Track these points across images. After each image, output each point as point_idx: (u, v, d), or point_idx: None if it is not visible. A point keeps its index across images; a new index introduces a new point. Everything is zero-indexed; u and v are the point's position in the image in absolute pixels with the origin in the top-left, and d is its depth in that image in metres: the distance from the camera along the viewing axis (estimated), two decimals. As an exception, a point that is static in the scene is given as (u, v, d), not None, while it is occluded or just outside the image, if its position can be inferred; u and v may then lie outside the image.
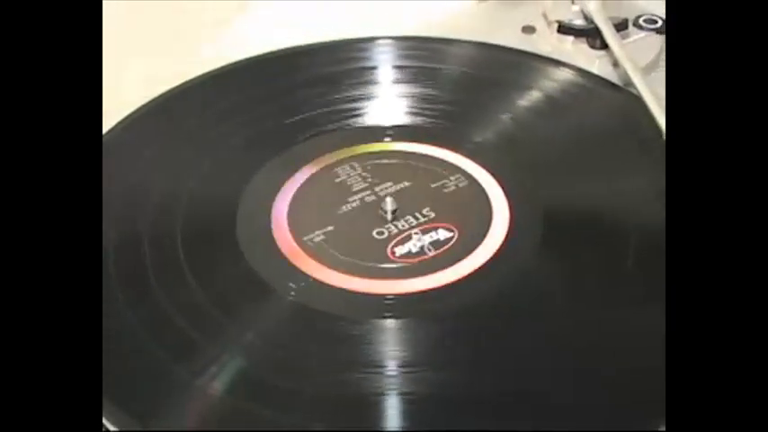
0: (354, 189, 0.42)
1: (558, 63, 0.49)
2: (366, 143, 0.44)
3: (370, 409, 0.33)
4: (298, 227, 0.40)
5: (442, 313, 0.36)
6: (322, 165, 0.43)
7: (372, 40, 0.50)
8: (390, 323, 0.35)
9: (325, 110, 0.46)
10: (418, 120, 0.46)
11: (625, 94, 0.46)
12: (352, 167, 0.43)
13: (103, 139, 0.44)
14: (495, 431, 0.31)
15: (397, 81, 0.48)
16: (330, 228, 0.40)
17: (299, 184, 0.42)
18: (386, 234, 0.40)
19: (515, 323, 0.36)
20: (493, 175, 0.42)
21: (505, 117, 0.46)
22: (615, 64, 0.48)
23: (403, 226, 0.40)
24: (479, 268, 0.38)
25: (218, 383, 0.33)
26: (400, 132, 0.45)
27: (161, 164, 0.43)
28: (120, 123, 0.45)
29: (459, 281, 0.37)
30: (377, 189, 0.42)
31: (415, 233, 0.39)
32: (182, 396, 0.33)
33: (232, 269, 0.38)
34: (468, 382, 0.33)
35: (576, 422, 0.32)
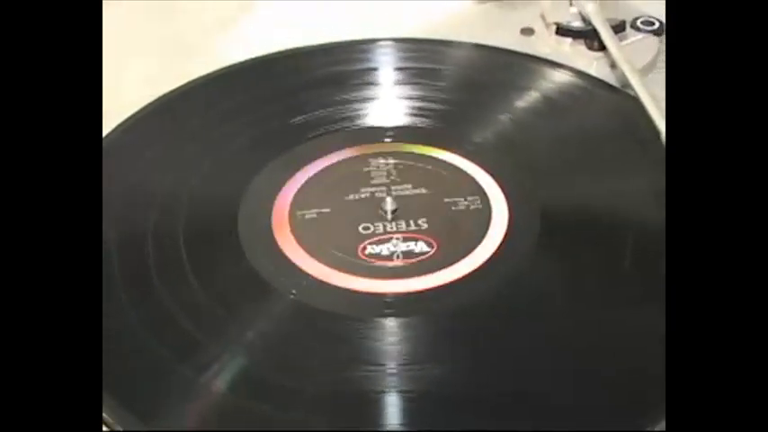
0: (373, 182, 0.42)
1: (556, 65, 0.49)
2: (368, 143, 0.44)
3: (370, 406, 0.33)
4: (300, 206, 0.40)
5: (441, 313, 0.36)
6: (361, 152, 0.44)
7: (374, 41, 0.51)
8: (391, 322, 0.36)
9: (329, 110, 0.46)
10: (417, 120, 0.46)
11: (623, 96, 0.46)
12: (386, 161, 0.43)
13: (107, 139, 0.44)
14: (496, 431, 0.32)
15: (399, 82, 0.48)
16: (326, 209, 0.40)
17: (299, 185, 0.42)
18: (370, 231, 0.40)
19: (514, 323, 0.36)
20: (492, 175, 0.42)
21: (504, 118, 0.46)
22: (613, 65, 0.49)
23: (390, 228, 0.40)
24: (479, 268, 0.38)
25: (219, 382, 0.33)
26: (400, 133, 0.45)
27: (164, 164, 0.43)
28: (123, 123, 0.45)
29: (458, 280, 0.37)
30: (393, 188, 0.42)
31: (396, 238, 0.39)
32: (184, 395, 0.33)
33: (233, 269, 0.38)
34: (468, 381, 0.33)
35: (575, 422, 0.32)
